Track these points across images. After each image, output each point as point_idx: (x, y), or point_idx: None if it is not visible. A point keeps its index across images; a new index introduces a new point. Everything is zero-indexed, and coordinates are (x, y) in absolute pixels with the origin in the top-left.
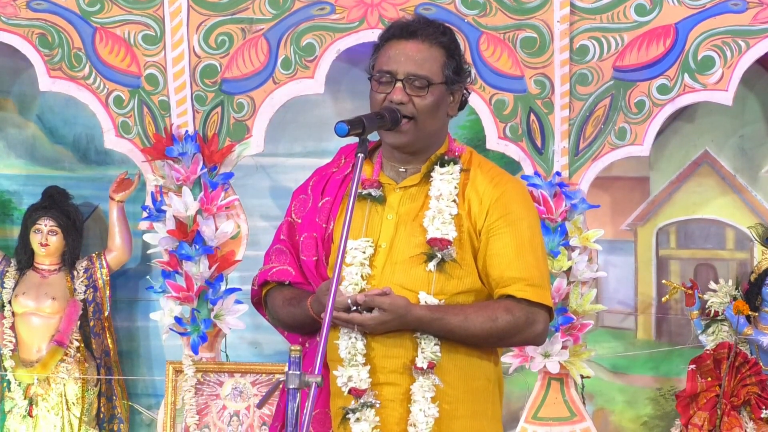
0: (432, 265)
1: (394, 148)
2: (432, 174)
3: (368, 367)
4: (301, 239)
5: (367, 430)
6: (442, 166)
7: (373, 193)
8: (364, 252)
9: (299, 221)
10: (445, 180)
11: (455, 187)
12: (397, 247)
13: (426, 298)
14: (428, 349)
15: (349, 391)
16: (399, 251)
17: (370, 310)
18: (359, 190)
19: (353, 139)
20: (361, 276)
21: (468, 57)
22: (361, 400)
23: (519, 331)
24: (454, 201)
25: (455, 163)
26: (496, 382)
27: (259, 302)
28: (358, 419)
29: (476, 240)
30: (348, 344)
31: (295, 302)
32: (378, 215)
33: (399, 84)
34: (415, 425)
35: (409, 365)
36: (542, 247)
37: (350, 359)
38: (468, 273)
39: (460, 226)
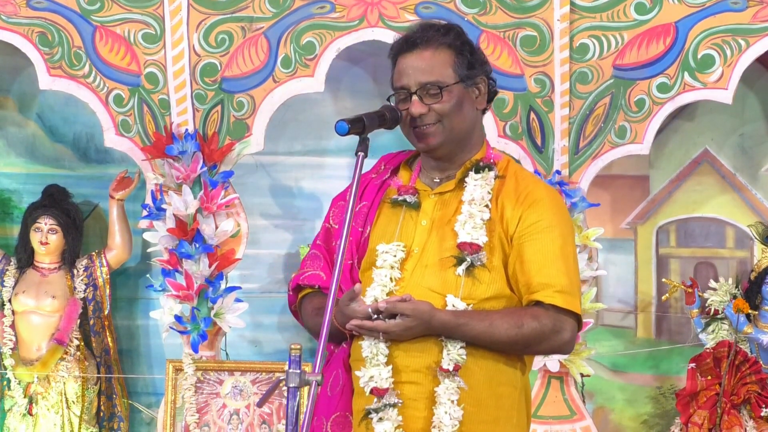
0: (461, 269)
1: (427, 154)
2: (466, 180)
3: (390, 367)
4: (338, 243)
5: (390, 429)
6: (477, 172)
7: (408, 199)
8: (395, 255)
9: (336, 227)
10: (478, 185)
11: (488, 192)
12: (428, 251)
13: (454, 302)
14: (454, 351)
15: (371, 391)
16: (430, 255)
17: (393, 317)
18: (395, 197)
19: (394, 147)
20: (390, 278)
21: None
22: (384, 400)
23: (545, 339)
24: (487, 206)
25: (490, 169)
26: (523, 391)
27: (296, 310)
28: (380, 419)
29: (507, 246)
30: (371, 344)
31: (322, 313)
32: (412, 221)
33: (414, 97)
34: (439, 428)
35: (433, 365)
36: (574, 257)
37: (372, 358)
38: (497, 278)
39: (491, 231)
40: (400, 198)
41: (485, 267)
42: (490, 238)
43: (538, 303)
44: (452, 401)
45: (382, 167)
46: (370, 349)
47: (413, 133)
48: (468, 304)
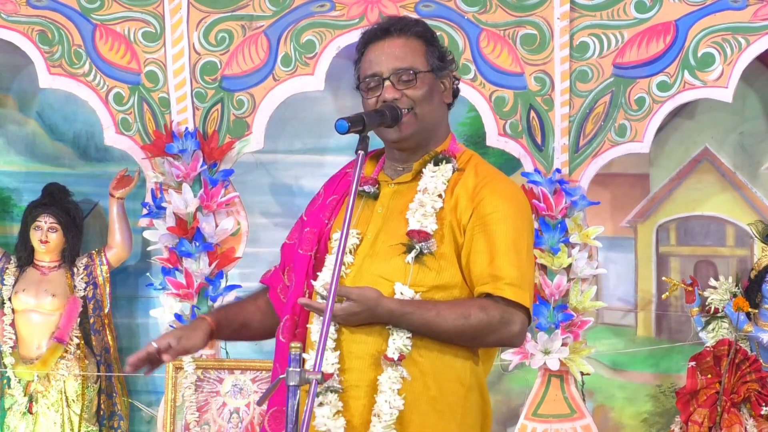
0: (410, 257)
1: (396, 144)
2: (423, 171)
3: (338, 352)
4: (305, 232)
5: (329, 414)
6: (435, 164)
7: (367, 190)
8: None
9: (305, 219)
10: (435, 177)
11: (443, 183)
12: (380, 238)
13: (402, 289)
14: (399, 340)
15: None
16: (381, 242)
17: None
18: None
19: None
20: (343, 264)
21: (468, 54)
22: (326, 384)
23: (493, 331)
24: (440, 196)
25: (448, 161)
26: (476, 389)
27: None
28: (321, 403)
29: (459, 235)
30: (319, 328)
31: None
32: (369, 209)
33: (387, 82)
34: (379, 416)
35: (377, 354)
36: (528, 250)
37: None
38: (446, 267)
39: (442, 219)
40: (360, 189)
41: (434, 255)
42: (440, 227)
43: (487, 295)
44: (393, 390)
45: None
46: (319, 333)
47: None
48: (416, 292)
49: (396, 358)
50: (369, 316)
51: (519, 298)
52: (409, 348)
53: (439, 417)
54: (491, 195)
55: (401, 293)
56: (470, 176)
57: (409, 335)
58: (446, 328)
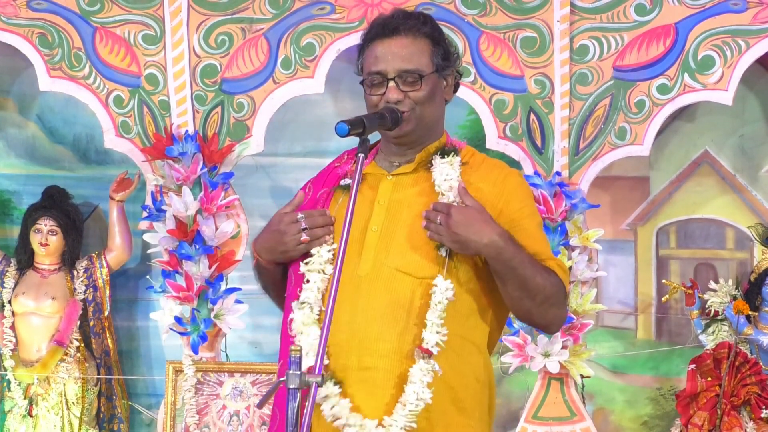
0: (444, 249)
1: (395, 139)
2: (432, 162)
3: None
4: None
5: (333, 400)
6: (442, 156)
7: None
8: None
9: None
10: (445, 167)
11: (458, 176)
12: (389, 232)
13: (441, 283)
14: (435, 332)
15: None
16: (392, 236)
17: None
18: (345, 181)
19: (355, 142)
20: (333, 254)
21: (468, 57)
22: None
23: (557, 303)
24: None
25: (456, 153)
26: (487, 385)
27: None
28: (326, 396)
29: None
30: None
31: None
32: (366, 201)
33: (392, 83)
34: (404, 404)
35: (402, 352)
36: None
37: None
38: (477, 259)
39: None
40: (347, 182)
41: None
42: None
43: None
44: (423, 382)
45: (345, 157)
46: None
47: None
48: (452, 285)
49: (435, 352)
50: (484, 228)
51: (567, 285)
52: (444, 340)
53: (461, 414)
54: (515, 191)
55: (440, 287)
56: (483, 167)
57: (446, 331)
58: (537, 281)
